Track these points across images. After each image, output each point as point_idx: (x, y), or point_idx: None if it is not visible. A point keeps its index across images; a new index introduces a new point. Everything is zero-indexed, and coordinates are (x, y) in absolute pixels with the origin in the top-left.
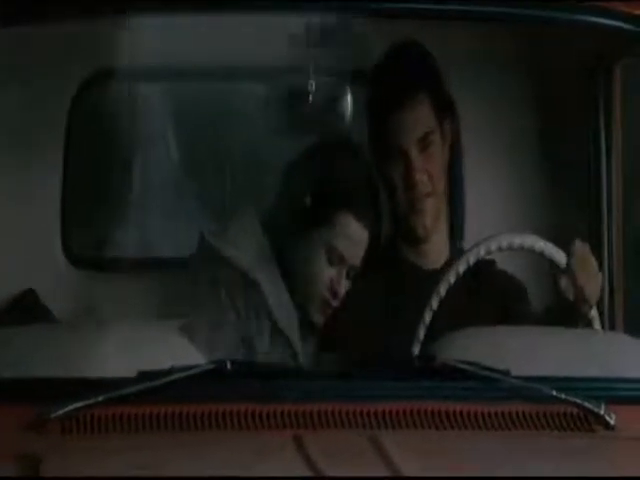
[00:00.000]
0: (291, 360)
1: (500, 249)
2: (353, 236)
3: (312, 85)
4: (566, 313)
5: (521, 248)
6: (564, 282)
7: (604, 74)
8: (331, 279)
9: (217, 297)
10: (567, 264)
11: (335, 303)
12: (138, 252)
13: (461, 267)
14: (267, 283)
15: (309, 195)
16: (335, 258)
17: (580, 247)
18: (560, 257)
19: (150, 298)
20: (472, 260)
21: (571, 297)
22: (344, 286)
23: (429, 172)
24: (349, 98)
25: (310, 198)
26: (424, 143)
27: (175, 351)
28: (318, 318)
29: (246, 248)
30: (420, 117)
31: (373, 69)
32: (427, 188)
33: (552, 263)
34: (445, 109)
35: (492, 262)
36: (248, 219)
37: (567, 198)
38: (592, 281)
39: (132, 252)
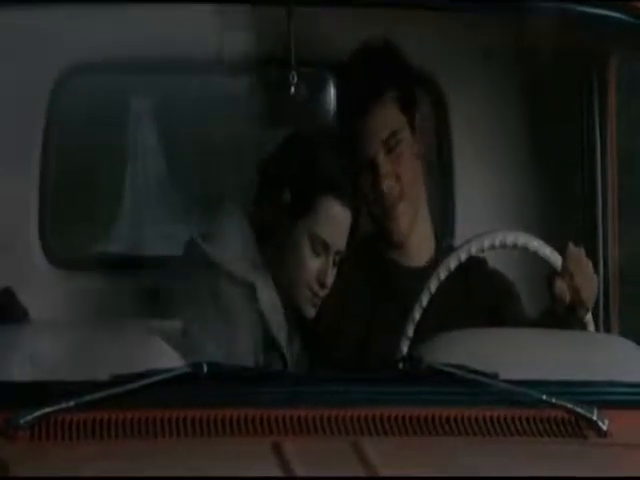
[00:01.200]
0: (279, 365)
1: (493, 247)
2: (337, 218)
3: (294, 76)
4: (560, 317)
5: (514, 246)
6: (559, 284)
7: (598, 69)
8: (318, 270)
9: (206, 302)
10: (562, 266)
11: (323, 293)
12: (118, 250)
13: (452, 263)
14: (260, 288)
15: (287, 188)
16: (319, 247)
17: (575, 249)
18: (555, 258)
19: (129, 297)
20: (464, 256)
21: (566, 300)
22: (331, 275)
23: (398, 175)
24: (332, 89)
25: (288, 191)
26: (390, 144)
27: (151, 353)
28: (308, 311)
29: (237, 252)
30: (384, 118)
31: (338, 73)
32: (396, 193)
33: (546, 264)
34: (413, 103)
35: (483, 261)
36: (237, 220)
37: (561, 197)
38: (588, 284)
39: (112, 250)
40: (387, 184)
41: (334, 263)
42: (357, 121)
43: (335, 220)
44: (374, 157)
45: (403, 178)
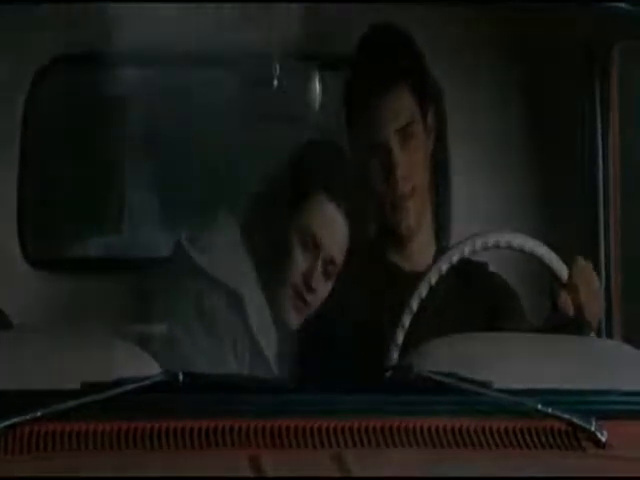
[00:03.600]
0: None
1: (482, 249)
2: (329, 217)
3: (276, 69)
4: (563, 328)
5: (497, 247)
6: (564, 298)
7: (600, 65)
8: (305, 268)
9: (189, 307)
10: (569, 279)
11: (309, 298)
12: (99, 253)
13: (443, 265)
14: (249, 300)
15: (280, 182)
16: (309, 242)
17: (584, 263)
18: (542, 251)
19: (111, 301)
20: (455, 258)
21: (570, 314)
22: (321, 281)
23: (411, 167)
24: (318, 83)
25: (281, 185)
26: (405, 134)
27: (124, 360)
28: (292, 318)
29: (226, 259)
30: (400, 107)
31: (352, 56)
32: (409, 184)
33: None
34: (428, 98)
35: (483, 264)
36: (227, 226)
37: (562, 198)
38: (594, 301)
39: (93, 253)
40: (401, 173)
41: (325, 269)
42: (369, 107)
43: (327, 219)
44: (388, 143)
45: (416, 172)
